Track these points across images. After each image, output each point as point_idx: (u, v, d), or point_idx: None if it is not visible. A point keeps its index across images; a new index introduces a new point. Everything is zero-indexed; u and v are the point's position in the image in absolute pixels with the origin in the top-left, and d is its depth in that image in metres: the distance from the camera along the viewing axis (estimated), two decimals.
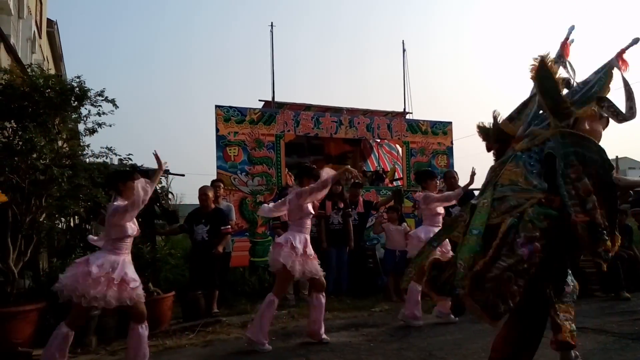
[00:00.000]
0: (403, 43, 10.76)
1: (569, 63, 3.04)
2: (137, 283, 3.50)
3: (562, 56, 3.04)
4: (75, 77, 4.80)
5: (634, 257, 7.11)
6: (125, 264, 3.50)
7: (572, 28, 3.09)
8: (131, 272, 3.51)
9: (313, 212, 4.48)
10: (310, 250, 4.32)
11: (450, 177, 6.78)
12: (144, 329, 3.56)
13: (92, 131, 5.07)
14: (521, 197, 2.43)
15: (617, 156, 27.66)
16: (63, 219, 5.66)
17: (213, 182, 6.59)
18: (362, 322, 5.18)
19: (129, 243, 3.59)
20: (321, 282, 4.40)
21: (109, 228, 3.50)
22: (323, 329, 4.38)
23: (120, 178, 3.66)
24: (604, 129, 2.69)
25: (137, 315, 3.54)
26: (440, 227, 5.08)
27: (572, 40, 3.09)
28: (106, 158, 5.32)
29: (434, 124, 8.88)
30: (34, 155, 4.40)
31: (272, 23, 9.51)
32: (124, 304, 3.43)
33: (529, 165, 2.57)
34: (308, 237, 4.39)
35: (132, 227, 3.54)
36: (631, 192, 6.63)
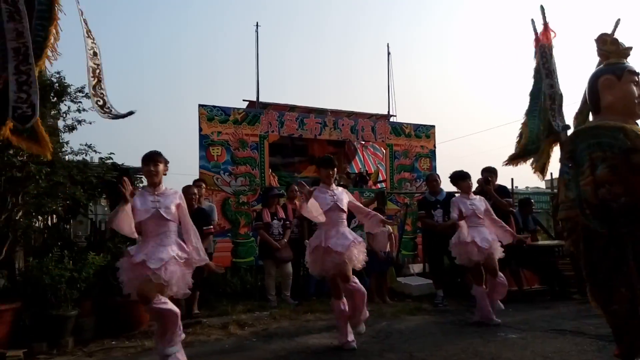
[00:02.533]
0: (388, 46, 10.82)
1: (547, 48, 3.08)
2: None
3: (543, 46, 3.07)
4: (55, 72, 4.72)
5: None
6: None
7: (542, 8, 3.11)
8: None
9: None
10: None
11: (432, 180, 6.83)
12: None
13: (71, 128, 4.98)
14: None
15: None
16: (40, 218, 5.53)
17: (195, 181, 6.52)
18: None
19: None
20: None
21: None
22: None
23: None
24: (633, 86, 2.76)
25: None
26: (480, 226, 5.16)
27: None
28: (86, 156, 5.23)
29: (418, 127, 8.94)
30: (11, 152, 4.29)
31: (257, 23, 9.46)
32: None
33: (565, 175, 2.77)
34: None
35: None
36: None
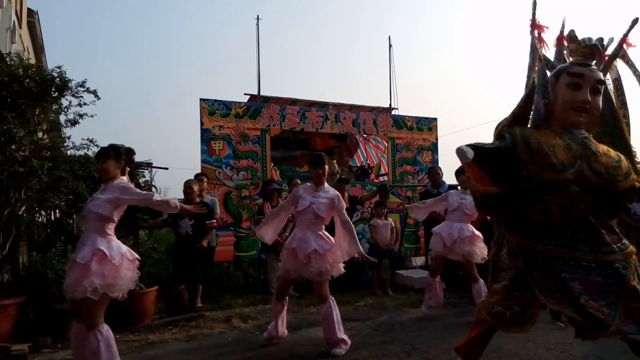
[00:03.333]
0: (389, 39, 10.79)
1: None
2: None
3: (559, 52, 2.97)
4: (55, 67, 4.71)
5: None
6: None
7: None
8: None
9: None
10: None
11: (434, 173, 6.83)
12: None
13: (73, 122, 4.97)
14: None
15: None
16: (43, 213, 5.55)
17: (197, 175, 6.53)
18: (346, 317, 5.17)
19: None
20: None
21: None
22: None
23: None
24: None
25: None
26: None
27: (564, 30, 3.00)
28: (88, 150, 5.23)
29: (420, 120, 8.91)
30: (13, 147, 4.29)
31: (257, 16, 9.46)
32: None
33: None
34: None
35: None
36: None
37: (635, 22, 2.85)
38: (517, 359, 3.50)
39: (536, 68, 2.79)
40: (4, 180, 4.31)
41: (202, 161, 7.22)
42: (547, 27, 2.96)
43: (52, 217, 6.07)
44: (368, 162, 10.86)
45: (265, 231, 4.27)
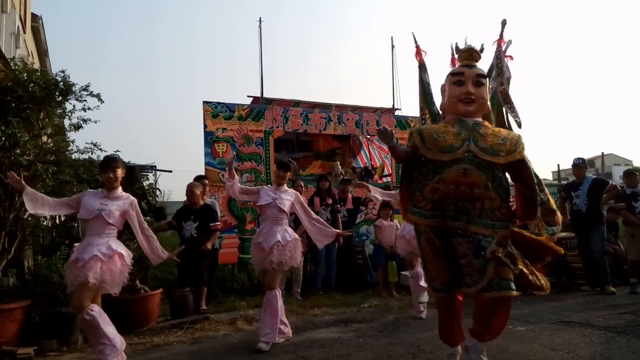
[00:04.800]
0: (392, 39, 10.75)
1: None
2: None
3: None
4: (59, 71, 4.72)
5: (619, 252, 7.21)
6: None
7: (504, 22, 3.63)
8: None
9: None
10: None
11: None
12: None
13: (77, 127, 4.98)
14: None
15: (602, 152, 28.03)
16: (48, 216, 5.56)
17: (198, 178, 6.52)
18: (351, 318, 5.18)
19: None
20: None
21: None
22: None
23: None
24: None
25: None
26: None
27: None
28: (92, 154, 5.24)
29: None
30: (18, 151, 4.31)
31: (260, 19, 9.45)
32: None
33: None
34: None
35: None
36: (619, 187, 6.71)
37: (504, 23, 3.50)
38: (523, 358, 3.48)
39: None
40: (9, 185, 4.33)
41: (206, 164, 7.23)
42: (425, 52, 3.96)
43: (57, 221, 6.08)
44: (371, 163, 10.85)
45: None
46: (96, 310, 3.37)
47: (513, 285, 2.80)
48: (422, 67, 3.89)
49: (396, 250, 6.82)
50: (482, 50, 3.26)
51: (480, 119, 3.15)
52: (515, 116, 3.65)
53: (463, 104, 3.09)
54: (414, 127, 3.45)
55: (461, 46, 3.29)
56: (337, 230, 4.45)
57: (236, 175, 4.38)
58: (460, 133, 3.01)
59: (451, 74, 3.19)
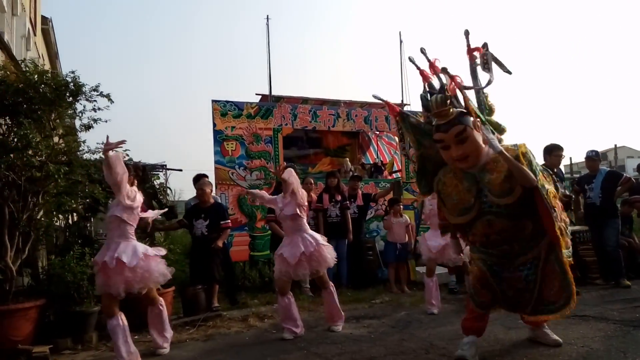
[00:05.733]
0: (400, 34, 10.70)
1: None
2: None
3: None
4: (69, 72, 4.75)
5: (634, 246, 7.11)
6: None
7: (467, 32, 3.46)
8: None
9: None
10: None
11: None
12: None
13: (87, 127, 5.02)
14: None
15: (615, 145, 27.66)
16: (61, 216, 5.61)
17: (199, 176, 6.45)
18: (362, 314, 5.18)
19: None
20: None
21: None
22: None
23: None
24: None
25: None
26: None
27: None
28: (103, 154, 5.27)
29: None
30: (30, 152, 4.35)
31: (267, 16, 9.48)
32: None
33: None
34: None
35: None
36: (633, 179, 6.62)
37: (467, 33, 3.42)
38: (537, 354, 3.45)
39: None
40: (22, 185, 4.38)
41: (216, 162, 7.25)
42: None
43: (70, 221, 6.15)
44: (381, 159, 10.81)
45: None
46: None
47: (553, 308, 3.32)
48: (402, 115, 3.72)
49: (411, 248, 6.82)
50: (446, 99, 3.19)
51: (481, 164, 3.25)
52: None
53: (460, 162, 3.22)
54: (426, 174, 3.53)
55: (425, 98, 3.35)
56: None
57: (259, 192, 4.94)
58: (471, 190, 3.20)
59: (434, 141, 3.29)
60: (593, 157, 6.58)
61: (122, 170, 3.67)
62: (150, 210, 4.40)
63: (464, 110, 3.23)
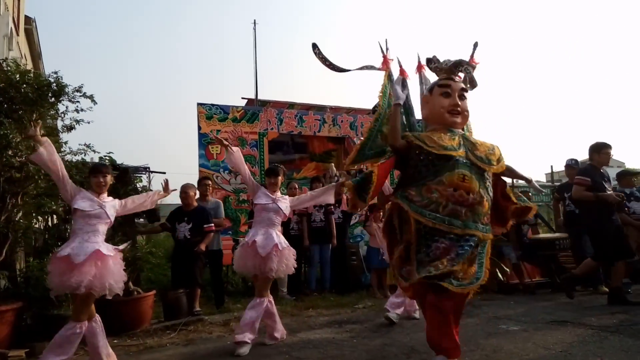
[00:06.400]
0: (386, 42, 10.78)
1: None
2: None
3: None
4: (52, 72, 4.70)
5: None
6: None
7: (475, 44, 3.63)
8: None
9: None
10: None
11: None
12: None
13: (70, 128, 4.97)
14: None
15: None
16: (40, 218, 5.52)
17: (201, 179, 6.52)
18: (345, 319, 5.18)
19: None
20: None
21: None
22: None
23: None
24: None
25: None
26: None
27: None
28: (85, 155, 5.22)
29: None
30: (10, 152, 4.28)
31: (254, 21, 9.51)
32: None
33: None
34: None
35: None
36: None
37: (476, 45, 3.59)
38: (517, 358, 3.48)
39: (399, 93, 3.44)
40: (1, 186, 4.31)
41: (200, 165, 7.22)
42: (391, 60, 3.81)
43: (50, 223, 6.05)
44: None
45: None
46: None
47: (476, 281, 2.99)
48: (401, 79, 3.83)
49: None
50: (460, 63, 3.36)
51: (461, 130, 3.35)
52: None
53: (450, 115, 3.23)
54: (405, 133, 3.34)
55: (434, 59, 3.45)
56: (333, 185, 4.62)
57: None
58: (454, 138, 3.16)
59: (439, 85, 3.30)
60: (572, 166, 6.70)
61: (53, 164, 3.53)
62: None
63: (472, 75, 3.40)
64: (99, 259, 3.37)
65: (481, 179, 3.08)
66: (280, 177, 4.50)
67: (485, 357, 3.55)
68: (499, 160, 3.23)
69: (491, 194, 3.18)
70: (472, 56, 3.59)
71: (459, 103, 3.23)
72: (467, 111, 3.31)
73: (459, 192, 2.99)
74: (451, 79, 3.31)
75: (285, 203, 4.39)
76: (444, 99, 3.24)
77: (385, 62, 3.72)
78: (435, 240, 2.97)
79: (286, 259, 4.23)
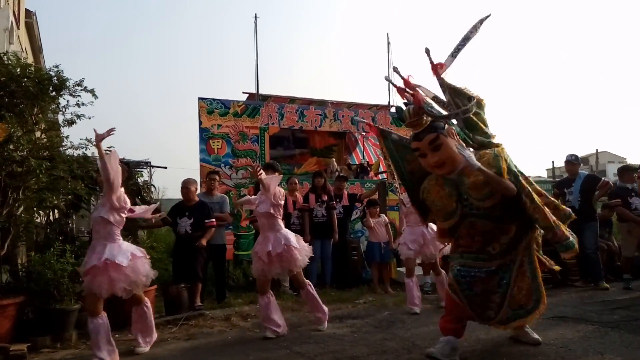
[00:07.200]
0: (387, 36, 10.77)
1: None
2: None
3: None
4: (53, 66, 4.68)
5: (613, 249, 7.24)
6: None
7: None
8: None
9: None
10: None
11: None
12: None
13: (71, 122, 4.96)
14: None
15: (597, 150, 28.21)
16: (42, 212, 5.53)
17: (209, 173, 6.51)
18: (346, 314, 5.19)
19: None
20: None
21: None
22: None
23: None
24: None
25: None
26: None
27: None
28: (86, 150, 5.21)
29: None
30: (11, 147, 4.28)
31: (255, 15, 9.44)
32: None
33: None
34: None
35: None
36: (611, 183, 6.74)
37: (427, 51, 3.39)
38: (517, 354, 3.49)
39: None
40: (2, 180, 4.30)
41: (201, 160, 7.22)
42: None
43: (51, 217, 6.05)
44: (367, 159, 10.86)
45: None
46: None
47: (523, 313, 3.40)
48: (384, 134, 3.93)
49: (392, 247, 6.85)
50: (419, 110, 3.31)
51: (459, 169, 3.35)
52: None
53: (437, 169, 3.35)
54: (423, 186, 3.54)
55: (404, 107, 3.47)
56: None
57: (244, 199, 5.03)
58: (452, 195, 3.33)
59: (412, 150, 3.45)
60: (572, 161, 6.69)
61: (117, 168, 3.60)
62: (140, 207, 4.32)
63: (440, 115, 3.35)
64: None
65: (490, 214, 3.28)
66: (276, 174, 4.57)
67: (486, 352, 3.56)
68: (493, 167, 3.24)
69: (509, 202, 3.28)
70: (431, 63, 3.40)
71: (435, 159, 3.28)
72: (449, 155, 3.27)
73: (476, 239, 3.37)
74: (417, 139, 3.34)
75: (263, 199, 4.40)
76: (424, 160, 3.36)
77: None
78: None
79: (288, 258, 4.28)
